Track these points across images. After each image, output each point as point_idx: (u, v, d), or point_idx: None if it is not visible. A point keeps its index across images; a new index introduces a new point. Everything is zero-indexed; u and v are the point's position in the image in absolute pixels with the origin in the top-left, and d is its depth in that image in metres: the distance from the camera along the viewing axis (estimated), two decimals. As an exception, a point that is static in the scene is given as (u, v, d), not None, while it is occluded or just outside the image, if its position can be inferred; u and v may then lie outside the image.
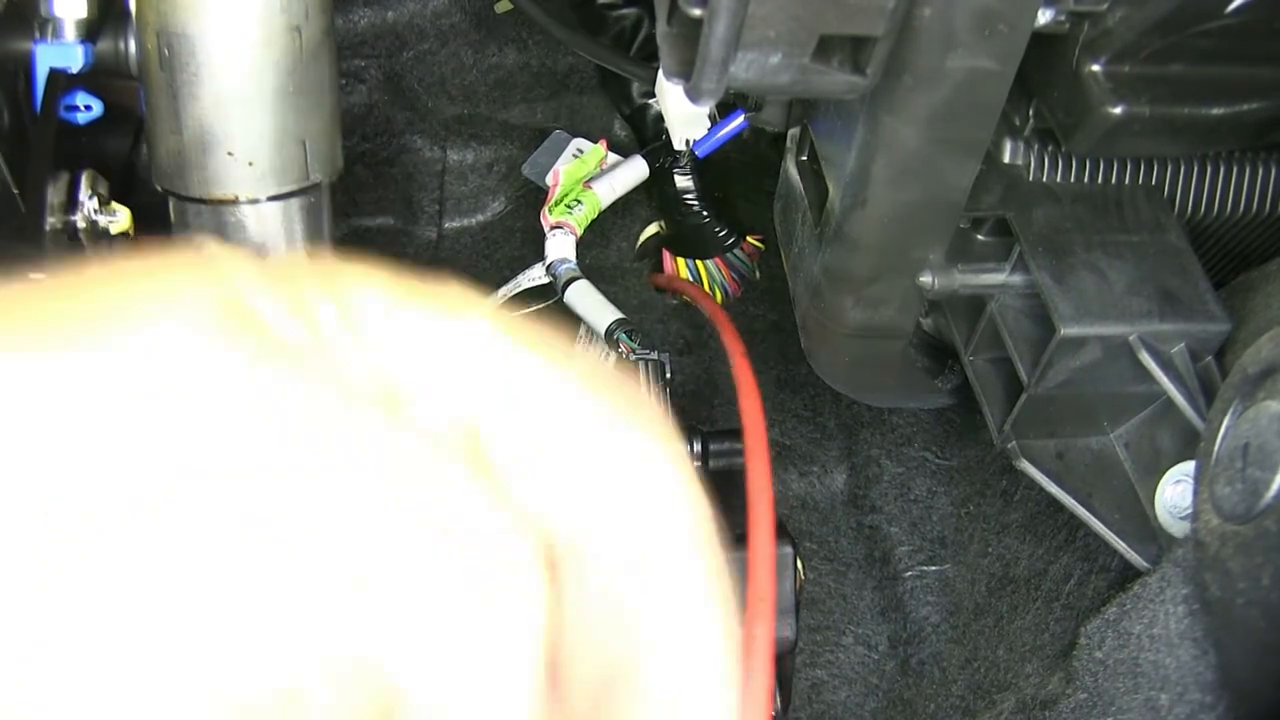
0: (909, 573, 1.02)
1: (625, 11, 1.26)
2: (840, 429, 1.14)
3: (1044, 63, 0.68)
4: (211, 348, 0.22)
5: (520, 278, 1.22)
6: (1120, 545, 0.75)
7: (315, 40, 0.82)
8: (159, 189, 0.86)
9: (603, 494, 0.24)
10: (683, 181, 1.21)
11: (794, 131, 0.86)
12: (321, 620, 0.21)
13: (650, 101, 1.28)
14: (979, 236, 0.78)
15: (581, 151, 1.27)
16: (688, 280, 1.24)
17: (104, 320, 0.22)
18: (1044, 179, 0.77)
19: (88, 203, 0.87)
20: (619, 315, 1.06)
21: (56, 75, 0.86)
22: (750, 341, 0.92)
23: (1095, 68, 0.67)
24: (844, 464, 1.12)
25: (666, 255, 1.26)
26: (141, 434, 0.21)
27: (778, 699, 0.76)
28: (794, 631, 0.77)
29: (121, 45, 0.87)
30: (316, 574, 0.21)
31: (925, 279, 0.76)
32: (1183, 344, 0.71)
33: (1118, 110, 0.66)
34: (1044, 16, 0.63)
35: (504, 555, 0.22)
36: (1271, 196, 0.79)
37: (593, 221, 1.21)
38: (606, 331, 1.05)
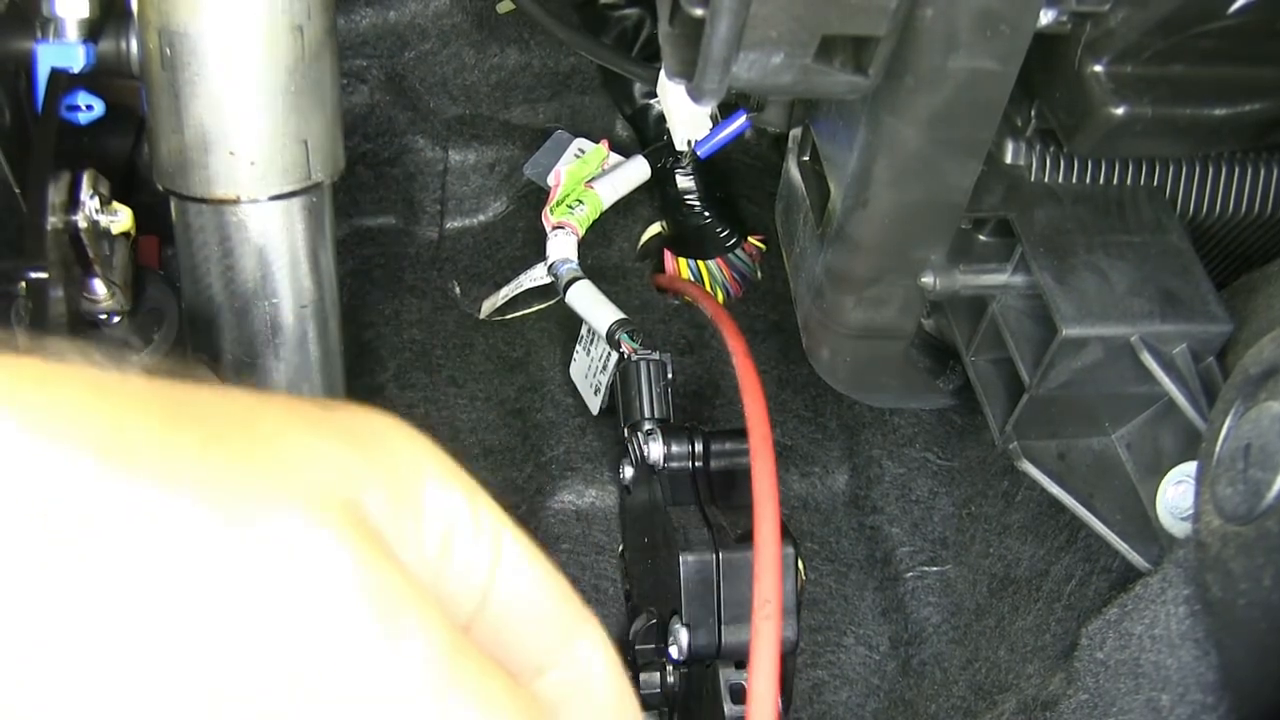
0: (910, 573, 1.02)
1: (627, 11, 1.26)
2: (842, 430, 1.14)
3: (1046, 63, 0.68)
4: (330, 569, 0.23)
5: (522, 278, 1.22)
6: (1122, 546, 0.75)
7: (317, 40, 0.82)
8: (160, 188, 0.86)
9: None
10: (684, 182, 1.21)
11: (796, 132, 0.86)
12: None
13: (652, 102, 1.28)
14: (980, 237, 0.78)
15: (583, 152, 1.27)
16: (689, 280, 1.24)
17: (240, 493, 0.23)
18: (1046, 180, 0.76)
19: (89, 202, 0.87)
20: (620, 315, 1.06)
21: (58, 75, 0.86)
22: (752, 342, 0.92)
23: (1097, 68, 0.66)
24: (845, 465, 1.12)
25: (668, 255, 1.25)
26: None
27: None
28: (795, 632, 0.77)
29: (123, 45, 0.87)
30: None
31: (927, 279, 0.76)
32: (1184, 345, 0.71)
33: (1120, 111, 0.66)
34: (1046, 17, 0.63)
35: None
36: (1273, 197, 0.79)
37: (594, 222, 1.21)
38: (608, 332, 1.05)
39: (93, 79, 0.90)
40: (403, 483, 0.26)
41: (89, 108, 0.92)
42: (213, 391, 0.25)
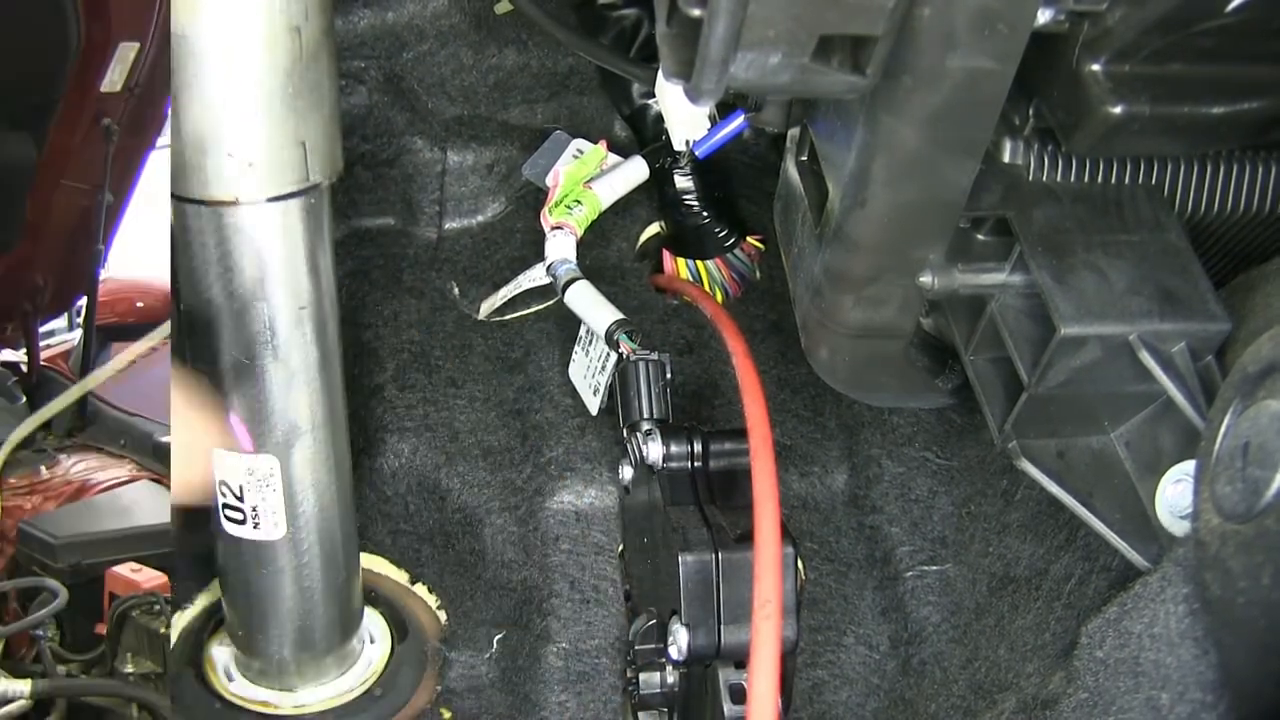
0: (910, 573, 1.02)
1: (625, 12, 1.26)
2: (841, 429, 1.14)
3: (1044, 62, 0.68)
4: None
5: (521, 278, 1.22)
6: (1121, 545, 0.75)
7: (315, 41, 0.82)
8: (159, 190, 0.86)
9: None
10: (683, 182, 1.21)
11: (794, 132, 0.86)
12: None
13: (650, 102, 1.28)
14: (979, 236, 0.78)
15: (581, 152, 1.27)
16: (688, 280, 1.24)
17: None
18: (1044, 179, 0.76)
19: (88, 204, 0.87)
20: (619, 315, 1.06)
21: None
22: (750, 342, 0.93)
23: (1095, 67, 0.67)
24: (845, 464, 1.12)
25: (667, 255, 1.26)
26: None
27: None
28: (795, 632, 0.77)
29: (121, 47, 0.87)
30: None
31: (925, 279, 0.76)
32: (1183, 343, 0.71)
33: (1118, 110, 0.66)
34: (1044, 16, 0.63)
35: None
36: (1271, 195, 0.79)
37: (593, 222, 1.21)
38: (607, 332, 1.05)
39: (91, 81, 0.90)
40: None
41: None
42: None
